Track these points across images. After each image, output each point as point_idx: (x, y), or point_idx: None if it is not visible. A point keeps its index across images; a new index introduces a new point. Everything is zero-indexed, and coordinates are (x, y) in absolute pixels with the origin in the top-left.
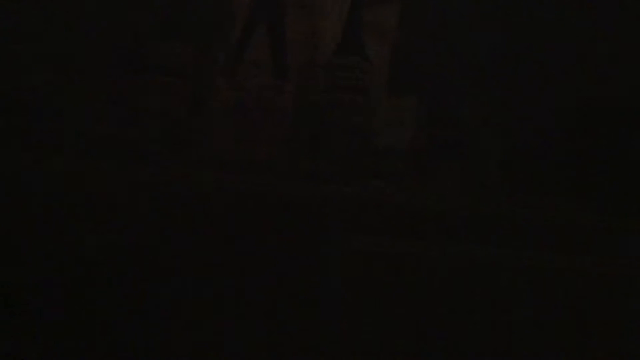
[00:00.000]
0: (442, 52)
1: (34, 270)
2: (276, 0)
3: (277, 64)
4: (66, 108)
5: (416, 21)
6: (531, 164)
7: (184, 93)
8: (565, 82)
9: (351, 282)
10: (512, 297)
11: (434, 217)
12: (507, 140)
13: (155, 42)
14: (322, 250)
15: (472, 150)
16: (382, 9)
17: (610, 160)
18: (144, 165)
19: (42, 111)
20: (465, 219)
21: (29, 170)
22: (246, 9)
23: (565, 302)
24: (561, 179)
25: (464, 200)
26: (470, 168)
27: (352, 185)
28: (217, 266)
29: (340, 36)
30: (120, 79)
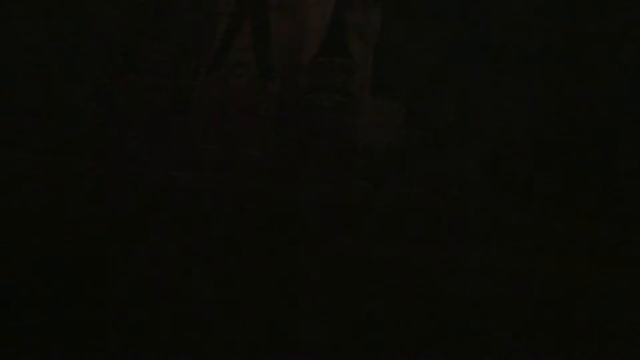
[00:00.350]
0: (425, 54)
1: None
2: (260, 1)
3: (261, 64)
4: (49, 106)
5: (399, 23)
6: (513, 165)
7: (169, 92)
8: (549, 83)
9: (331, 283)
10: (493, 297)
11: (414, 218)
12: (489, 141)
13: (140, 42)
14: (302, 252)
15: (453, 151)
16: (365, 12)
17: (593, 162)
18: (126, 164)
19: (26, 109)
20: (446, 220)
21: (11, 168)
22: (231, 10)
23: (543, 302)
24: (543, 181)
25: (444, 201)
26: (452, 169)
27: (334, 186)
28: (195, 265)
29: (324, 38)
30: (106, 78)
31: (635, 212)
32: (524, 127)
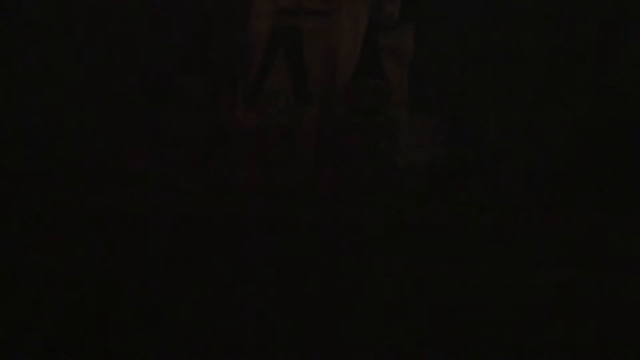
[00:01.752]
0: (461, 71)
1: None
2: (294, 28)
3: (297, 90)
4: (91, 142)
5: (433, 42)
6: (555, 181)
7: (207, 124)
8: (589, 100)
9: (375, 302)
10: (538, 315)
11: (457, 237)
12: (531, 158)
13: (177, 76)
14: (346, 274)
15: (495, 167)
16: (398, 32)
17: (635, 177)
18: (170, 195)
19: (68, 147)
20: (488, 238)
21: (61, 207)
22: (264, 38)
23: (590, 319)
24: (588, 195)
25: (491, 218)
26: (494, 186)
27: (376, 207)
28: (242, 290)
29: (358, 60)
30: (145, 112)
31: None
32: (568, 141)
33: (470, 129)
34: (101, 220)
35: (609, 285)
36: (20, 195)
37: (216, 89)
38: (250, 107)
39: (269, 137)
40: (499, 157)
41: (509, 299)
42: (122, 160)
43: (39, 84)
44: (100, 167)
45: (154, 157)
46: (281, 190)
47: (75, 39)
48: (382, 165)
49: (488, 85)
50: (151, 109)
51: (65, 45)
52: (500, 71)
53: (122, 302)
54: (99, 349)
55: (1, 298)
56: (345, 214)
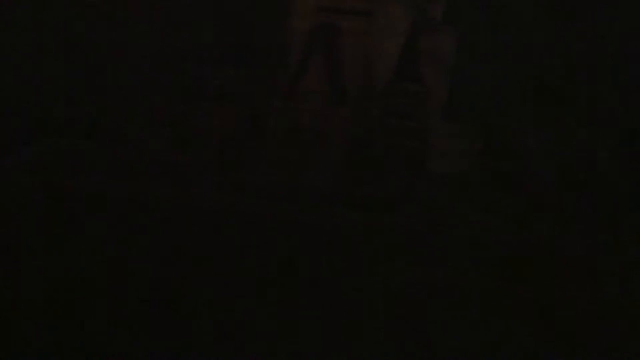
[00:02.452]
0: (501, 79)
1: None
2: (333, 28)
3: (333, 90)
4: (127, 132)
5: (474, 48)
6: (591, 197)
7: (242, 118)
8: (635, 113)
9: (400, 311)
10: (569, 339)
11: (485, 249)
12: (567, 172)
13: (214, 69)
14: (371, 281)
15: (532, 178)
16: (438, 36)
17: None
18: (197, 190)
19: (103, 136)
20: (518, 252)
21: (94, 194)
22: (304, 36)
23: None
24: (630, 213)
25: (517, 233)
26: (526, 199)
27: (403, 214)
28: (262, 290)
29: (396, 63)
30: (180, 104)
31: None
32: (610, 155)
33: (508, 139)
34: (125, 212)
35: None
36: (47, 180)
37: (252, 85)
38: (285, 105)
39: (302, 136)
40: (536, 168)
41: (537, 317)
42: (153, 152)
43: (75, 69)
44: (131, 157)
45: (185, 150)
46: (310, 190)
47: (114, 28)
48: (413, 171)
49: (528, 94)
50: (186, 102)
51: (104, 36)
52: (542, 80)
53: (140, 296)
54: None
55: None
56: (372, 219)
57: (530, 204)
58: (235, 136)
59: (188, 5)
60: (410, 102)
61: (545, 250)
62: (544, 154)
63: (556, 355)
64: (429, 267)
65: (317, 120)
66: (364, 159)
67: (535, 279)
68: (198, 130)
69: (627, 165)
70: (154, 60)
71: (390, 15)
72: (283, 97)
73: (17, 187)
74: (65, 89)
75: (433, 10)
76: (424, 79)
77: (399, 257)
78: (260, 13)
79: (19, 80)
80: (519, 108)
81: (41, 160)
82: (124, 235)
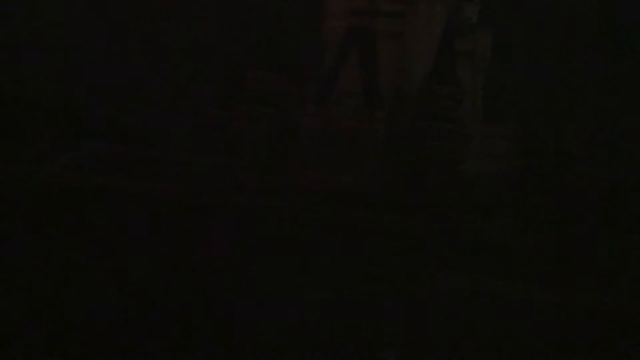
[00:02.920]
0: (538, 80)
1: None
2: (368, 30)
3: (368, 93)
4: (164, 135)
5: (510, 49)
6: (636, 202)
7: (276, 121)
8: None
9: (437, 319)
10: (614, 344)
11: (523, 255)
12: (611, 175)
13: (249, 73)
14: (409, 287)
15: (571, 182)
16: (475, 38)
17: None
18: (233, 192)
19: (142, 138)
20: (555, 258)
21: (127, 194)
22: (338, 38)
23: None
24: None
25: (561, 237)
26: (567, 203)
27: (437, 216)
28: (297, 292)
29: (432, 64)
30: (217, 107)
31: None
32: None
33: (547, 141)
34: (162, 213)
35: None
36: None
37: (287, 87)
38: (320, 107)
39: (336, 137)
40: (576, 171)
41: (576, 324)
42: (188, 153)
43: (112, 72)
44: (165, 159)
45: (220, 152)
46: (344, 192)
47: (151, 31)
48: (449, 174)
49: (567, 95)
50: (221, 103)
51: (143, 38)
52: (581, 81)
53: (181, 299)
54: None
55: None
56: (406, 222)
57: (568, 209)
58: (272, 139)
59: (223, 8)
60: (446, 103)
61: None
62: (585, 156)
63: None
64: (463, 272)
65: (352, 123)
66: (399, 161)
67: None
68: (236, 133)
69: None
70: (192, 63)
71: (425, 16)
72: (317, 100)
73: (59, 190)
74: (106, 93)
75: (468, 11)
76: (460, 81)
77: (432, 261)
78: (294, 15)
79: (60, 83)
80: (559, 111)
81: (83, 164)
82: (171, 237)
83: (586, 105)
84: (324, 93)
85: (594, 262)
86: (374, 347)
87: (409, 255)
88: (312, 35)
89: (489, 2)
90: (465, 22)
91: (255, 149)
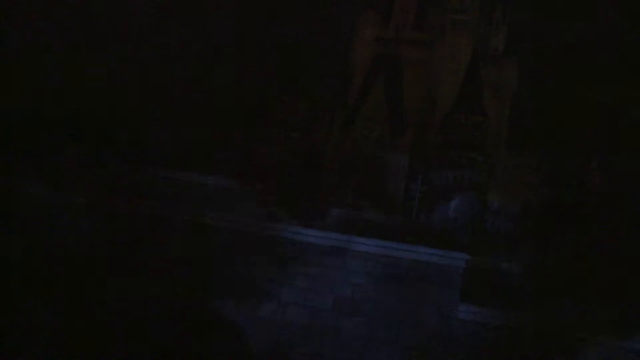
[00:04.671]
0: (565, 111)
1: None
2: (395, 58)
3: (393, 120)
4: (189, 160)
5: (537, 79)
6: None
7: (301, 146)
8: None
9: (457, 352)
10: None
11: (547, 290)
12: (636, 207)
13: (276, 97)
14: (421, 316)
15: (597, 213)
16: (500, 68)
17: None
18: (255, 216)
19: (166, 162)
20: (580, 291)
21: (146, 218)
22: (365, 66)
23: None
24: None
25: (588, 270)
26: (594, 235)
27: (460, 246)
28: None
29: (458, 93)
30: (243, 132)
31: None
32: None
33: (572, 173)
34: (181, 235)
35: None
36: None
37: (313, 113)
38: (345, 133)
39: (361, 164)
40: (602, 202)
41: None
42: (212, 176)
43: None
44: (189, 182)
45: (244, 176)
46: (368, 219)
47: (172, 61)
48: (473, 203)
49: (593, 126)
50: (248, 128)
51: (163, 68)
52: (607, 112)
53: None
54: None
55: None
56: (429, 253)
57: (593, 242)
58: (297, 165)
59: (250, 33)
60: (471, 132)
61: None
62: (609, 187)
63: None
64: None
65: (376, 149)
66: (422, 189)
67: None
68: (260, 159)
69: None
70: (217, 88)
71: (451, 45)
72: (344, 126)
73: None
74: (131, 113)
75: (495, 41)
76: (486, 110)
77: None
78: (322, 42)
79: (83, 103)
80: (585, 142)
81: (105, 185)
82: (188, 263)
83: (611, 136)
84: (350, 120)
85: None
86: None
87: (426, 283)
88: (340, 62)
89: (515, 32)
90: (492, 51)
91: (280, 175)
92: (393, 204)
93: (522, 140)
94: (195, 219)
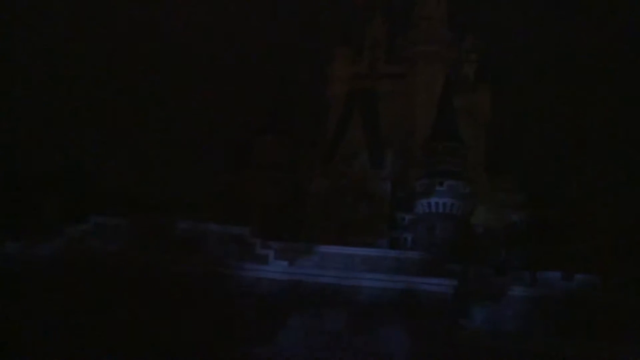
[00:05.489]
0: (540, 131)
1: None
2: (370, 91)
3: (372, 151)
4: (173, 202)
5: (510, 103)
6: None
7: (285, 183)
8: None
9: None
10: None
11: (536, 306)
12: (618, 215)
13: (258, 138)
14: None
15: (578, 229)
16: (474, 94)
17: None
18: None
19: (150, 204)
20: (570, 310)
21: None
22: (341, 101)
23: None
24: None
25: (568, 288)
26: (579, 253)
27: (448, 274)
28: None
29: (434, 122)
30: (225, 172)
31: None
32: None
33: (551, 191)
34: (166, 282)
35: None
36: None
37: (294, 150)
38: (327, 168)
39: (344, 198)
40: (582, 218)
41: None
42: (198, 217)
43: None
44: (179, 230)
45: (230, 215)
46: (355, 257)
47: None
48: (458, 228)
49: (569, 145)
50: (231, 167)
51: (153, 104)
52: (581, 129)
53: None
54: None
55: None
56: (416, 280)
57: (577, 259)
58: (280, 202)
59: (229, 75)
60: (450, 159)
61: None
62: (592, 201)
63: None
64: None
65: (358, 182)
66: (407, 218)
67: None
68: (244, 198)
69: None
70: (199, 129)
71: (425, 76)
72: (324, 162)
73: (63, 264)
74: (113, 161)
75: (466, 69)
76: (462, 137)
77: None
78: (299, 81)
79: (64, 152)
80: (562, 160)
81: (90, 237)
82: (174, 309)
83: (588, 154)
84: (330, 154)
85: (604, 312)
86: None
87: (412, 310)
88: (317, 100)
89: (486, 60)
90: (464, 79)
91: (264, 213)
92: (379, 235)
93: (501, 164)
94: (185, 267)
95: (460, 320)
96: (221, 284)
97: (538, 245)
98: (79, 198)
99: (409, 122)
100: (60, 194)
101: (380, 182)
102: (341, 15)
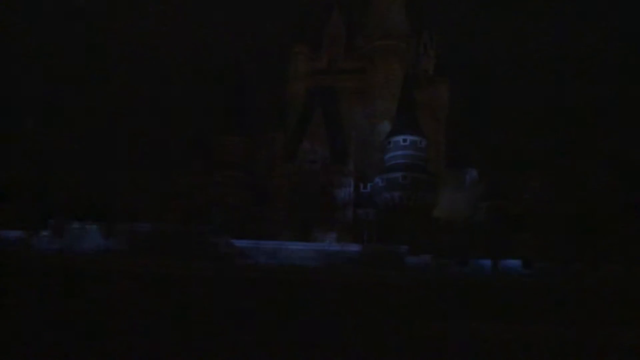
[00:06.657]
0: (498, 123)
1: None
2: (329, 88)
3: (333, 147)
4: (134, 204)
5: (468, 96)
6: (604, 229)
7: (246, 182)
8: (636, 149)
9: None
10: None
11: (496, 296)
12: (579, 208)
13: (218, 138)
14: (379, 335)
15: (537, 218)
16: (432, 88)
17: None
18: (207, 259)
19: (112, 207)
20: (531, 296)
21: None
22: (301, 98)
23: None
24: (632, 250)
25: (529, 276)
26: (538, 240)
27: (420, 266)
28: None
29: (394, 116)
30: (186, 173)
31: None
32: (614, 187)
33: (510, 182)
34: (132, 284)
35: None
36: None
37: (255, 149)
38: (288, 165)
39: (307, 193)
40: (541, 208)
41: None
42: (158, 219)
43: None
44: (143, 234)
45: (192, 221)
46: (321, 251)
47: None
48: (421, 220)
49: (527, 135)
50: (192, 169)
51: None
52: (539, 120)
53: None
54: None
55: None
56: (380, 274)
57: (537, 247)
58: (242, 202)
59: (188, 77)
60: (411, 153)
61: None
62: (549, 196)
63: None
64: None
65: (320, 177)
66: (370, 212)
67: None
68: (204, 199)
69: (636, 207)
70: (160, 131)
71: (384, 71)
72: (285, 157)
73: (34, 266)
74: (82, 170)
75: (425, 64)
76: (423, 130)
77: (410, 310)
78: (258, 80)
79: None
80: (520, 151)
81: (57, 241)
82: (140, 305)
83: (546, 146)
84: (291, 151)
85: (570, 298)
86: None
87: (383, 303)
88: (276, 98)
89: (444, 55)
90: (423, 74)
91: (226, 214)
92: (344, 231)
93: (460, 156)
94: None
95: None
96: (184, 283)
97: (498, 235)
98: (39, 204)
99: (370, 117)
100: (21, 200)
101: (342, 177)
102: (298, 12)
